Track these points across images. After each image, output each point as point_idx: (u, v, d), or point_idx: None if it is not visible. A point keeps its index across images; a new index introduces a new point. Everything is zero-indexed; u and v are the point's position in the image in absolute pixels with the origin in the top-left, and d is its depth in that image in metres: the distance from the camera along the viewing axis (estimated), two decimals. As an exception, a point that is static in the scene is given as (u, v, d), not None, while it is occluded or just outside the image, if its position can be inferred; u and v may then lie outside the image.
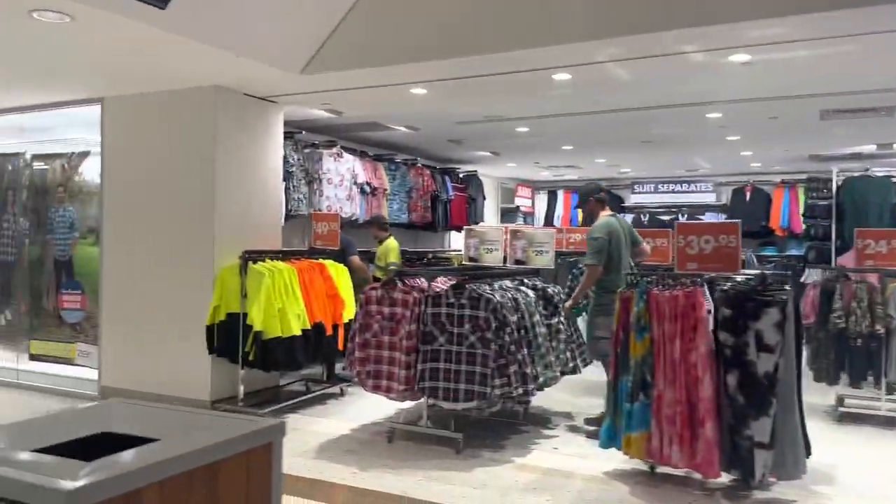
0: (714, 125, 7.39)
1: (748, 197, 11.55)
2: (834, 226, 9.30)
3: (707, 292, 4.33)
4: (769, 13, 3.78)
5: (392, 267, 7.44)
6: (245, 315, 5.47)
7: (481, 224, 10.13)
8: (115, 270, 6.18)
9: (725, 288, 4.22)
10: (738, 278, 4.42)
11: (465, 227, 10.00)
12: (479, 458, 4.66)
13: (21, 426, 1.88)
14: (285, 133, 6.67)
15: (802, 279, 7.44)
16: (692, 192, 12.36)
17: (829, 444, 4.82)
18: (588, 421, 5.33)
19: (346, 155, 8.06)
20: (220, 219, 5.76)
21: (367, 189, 8.41)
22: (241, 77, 5.47)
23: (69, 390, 6.29)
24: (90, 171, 6.83)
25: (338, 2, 4.79)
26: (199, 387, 5.68)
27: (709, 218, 11.76)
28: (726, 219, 10.88)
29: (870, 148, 8.92)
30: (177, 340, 5.81)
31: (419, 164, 9.54)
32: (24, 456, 1.54)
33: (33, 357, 6.84)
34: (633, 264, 5.43)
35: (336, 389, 6.41)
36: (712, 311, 4.17)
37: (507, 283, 5.28)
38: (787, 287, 4.21)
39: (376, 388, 5.14)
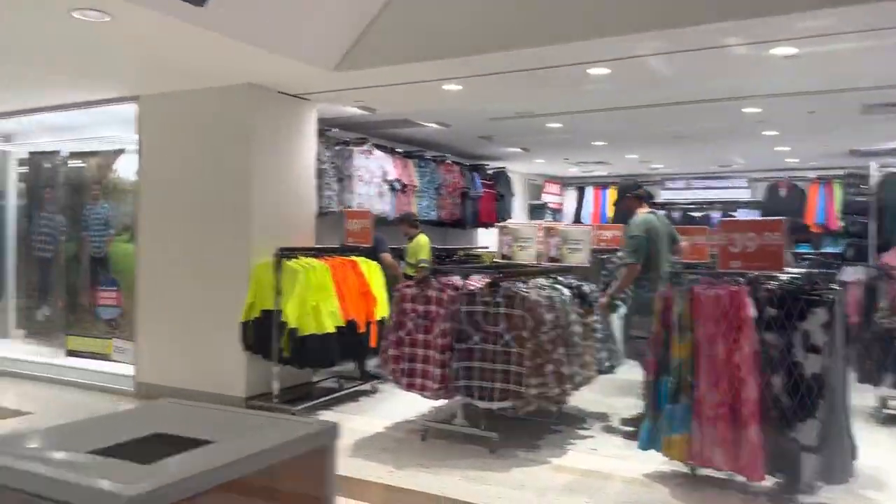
0: (751, 120, 7.24)
1: (783, 193, 11.34)
2: (874, 223, 9.07)
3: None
4: (821, 4, 3.67)
5: (422, 264, 7.42)
6: (279, 312, 5.47)
7: (514, 221, 10.05)
8: (151, 267, 6.24)
9: (771, 287, 4.11)
10: (783, 277, 4.32)
11: (495, 223, 10.04)
12: (515, 458, 4.61)
13: (73, 427, 1.87)
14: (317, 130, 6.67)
15: (841, 277, 7.27)
16: (725, 188, 12.15)
17: (872, 445, 4.69)
18: (625, 421, 5.25)
19: (376, 152, 8.04)
20: (255, 216, 5.78)
21: (398, 186, 8.38)
22: (275, 74, 5.47)
23: (105, 386, 6.36)
24: (125, 169, 6.90)
25: (372, -2, 4.77)
26: (234, 383, 5.71)
27: (742, 215, 11.57)
28: (760, 215, 10.68)
29: (912, 143, 8.68)
30: (212, 337, 5.85)
31: (448, 161, 9.49)
32: (81, 458, 1.53)
33: (70, 353, 6.93)
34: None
35: (368, 386, 6.40)
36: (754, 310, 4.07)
37: (542, 280, 5.22)
38: (834, 286, 4.09)
39: (410, 387, 5.12)
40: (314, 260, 5.72)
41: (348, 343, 5.80)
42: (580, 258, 5.66)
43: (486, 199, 10.14)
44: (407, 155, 8.86)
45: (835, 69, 5.23)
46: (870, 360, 5.60)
